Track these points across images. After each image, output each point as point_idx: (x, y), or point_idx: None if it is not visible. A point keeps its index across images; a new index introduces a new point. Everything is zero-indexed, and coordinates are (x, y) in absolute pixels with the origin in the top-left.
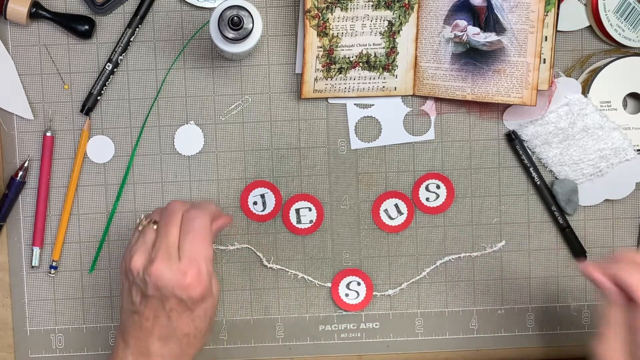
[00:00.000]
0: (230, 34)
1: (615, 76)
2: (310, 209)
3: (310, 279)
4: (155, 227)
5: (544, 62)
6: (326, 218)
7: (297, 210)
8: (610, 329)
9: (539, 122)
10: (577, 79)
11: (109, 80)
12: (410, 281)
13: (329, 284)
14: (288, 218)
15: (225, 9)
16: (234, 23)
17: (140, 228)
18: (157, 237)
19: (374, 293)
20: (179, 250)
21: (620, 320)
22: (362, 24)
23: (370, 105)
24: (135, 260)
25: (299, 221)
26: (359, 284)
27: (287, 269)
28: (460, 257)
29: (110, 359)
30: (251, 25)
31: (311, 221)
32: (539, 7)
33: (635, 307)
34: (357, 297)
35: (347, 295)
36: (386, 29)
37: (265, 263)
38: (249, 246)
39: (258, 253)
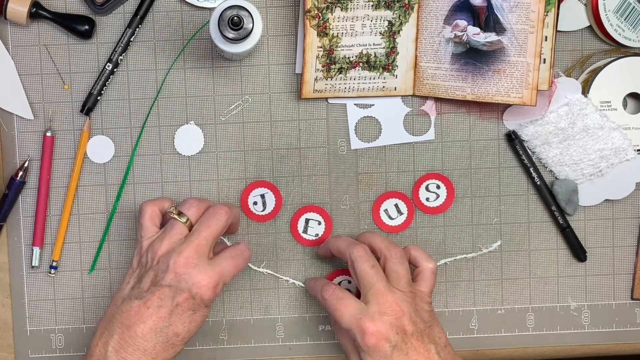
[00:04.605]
0: (230, 34)
1: (615, 76)
2: (319, 223)
3: (300, 284)
4: (184, 220)
5: (544, 62)
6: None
7: (307, 220)
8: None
9: (539, 122)
10: (577, 79)
11: (109, 80)
12: None
13: None
14: (296, 224)
15: (225, 9)
16: (234, 23)
17: (169, 216)
18: (193, 233)
19: None
20: (215, 258)
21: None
22: (362, 24)
23: (370, 105)
24: (162, 247)
25: (304, 231)
26: (349, 282)
27: (278, 275)
28: (456, 259)
29: (87, 352)
30: (251, 25)
31: (317, 235)
32: (539, 7)
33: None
34: None
35: None
36: (386, 29)
37: (255, 268)
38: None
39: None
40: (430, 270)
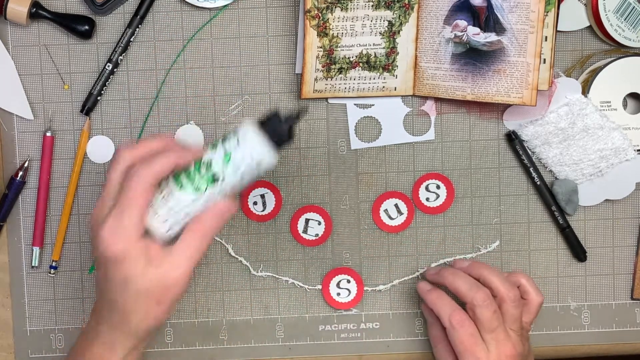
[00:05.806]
0: None
1: (615, 76)
2: (319, 223)
3: (300, 284)
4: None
5: (544, 62)
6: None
7: (307, 220)
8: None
9: (539, 122)
10: (577, 79)
11: (109, 80)
12: (403, 279)
13: (319, 286)
14: (296, 224)
15: None
16: None
17: None
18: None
19: (365, 288)
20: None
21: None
22: (362, 24)
23: (370, 105)
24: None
25: (304, 231)
26: (348, 281)
27: (276, 276)
28: (455, 259)
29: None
30: None
31: (317, 235)
32: (539, 7)
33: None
34: (348, 294)
35: (338, 294)
36: (386, 29)
37: (254, 272)
38: (238, 256)
39: (245, 263)
40: (538, 304)
